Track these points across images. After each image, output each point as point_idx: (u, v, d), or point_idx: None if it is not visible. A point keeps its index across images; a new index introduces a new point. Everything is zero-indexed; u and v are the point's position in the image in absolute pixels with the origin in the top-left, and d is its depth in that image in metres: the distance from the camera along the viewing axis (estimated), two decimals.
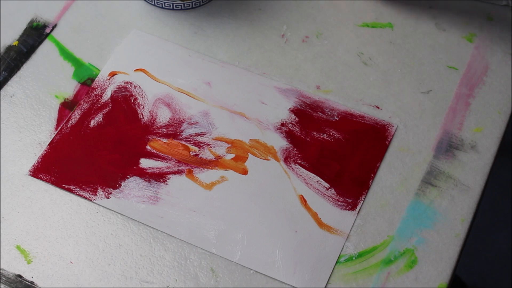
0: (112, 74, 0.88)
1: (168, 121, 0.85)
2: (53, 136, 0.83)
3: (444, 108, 0.87)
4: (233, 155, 0.83)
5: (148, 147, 0.83)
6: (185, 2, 0.92)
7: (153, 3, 0.93)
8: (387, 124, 0.85)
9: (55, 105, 0.86)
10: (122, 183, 0.80)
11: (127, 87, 0.87)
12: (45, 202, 0.79)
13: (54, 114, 0.85)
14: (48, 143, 0.83)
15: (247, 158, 0.82)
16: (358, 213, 0.80)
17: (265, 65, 0.89)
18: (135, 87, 0.87)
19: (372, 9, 0.94)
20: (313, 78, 0.89)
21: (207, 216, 0.79)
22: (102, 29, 0.91)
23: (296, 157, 0.83)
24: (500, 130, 0.86)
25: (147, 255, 0.76)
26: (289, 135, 0.84)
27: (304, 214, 0.79)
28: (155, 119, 0.85)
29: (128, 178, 0.81)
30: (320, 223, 0.79)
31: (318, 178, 0.81)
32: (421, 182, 0.82)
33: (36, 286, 0.75)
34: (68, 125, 0.84)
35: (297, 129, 0.85)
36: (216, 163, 0.82)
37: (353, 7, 0.94)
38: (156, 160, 0.82)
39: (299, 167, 0.82)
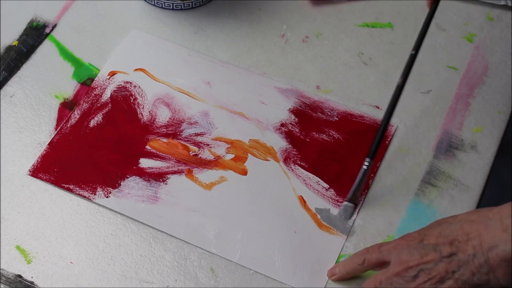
0: (112, 74, 0.88)
1: (167, 121, 0.85)
2: (53, 136, 0.83)
3: (444, 108, 0.87)
4: (232, 155, 0.83)
5: (147, 147, 0.83)
6: (185, 2, 0.92)
7: (153, 3, 0.93)
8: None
9: (55, 105, 0.86)
10: (121, 183, 0.80)
11: (126, 87, 0.87)
12: (45, 202, 0.79)
13: (54, 114, 0.85)
14: (48, 143, 0.83)
15: (246, 158, 0.82)
16: (358, 213, 0.80)
17: (265, 65, 0.89)
18: (134, 86, 0.87)
19: (372, 9, 0.94)
20: (313, 78, 0.89)
21: (207, 216, 0.79)
22: (102, 29, 0.91)
23: (295, 158, 0.83)
24: (500, 130, 0.86)
25: (147, 255, 0.76)
26: (289, 135, 0.84)
27: (304, 214, 0.79)
28: (155, 119, 0.85)
29: (127, 177, 0.81)
30: (320, 224, 0.79)
31: (318, 178, 0.81)
32: (421, 182, 0.82)
33: (36, 286, 0.75)
34: (68, 125, 0.84)
35: (297, 130, 0.85)
36: (215, 163, 0.82)
37: (353, 7, 0.94)
38: (155, 160, 0.82)
39: (299, 167, 0.82)
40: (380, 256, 0.70)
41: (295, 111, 0.86)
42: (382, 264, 0.71)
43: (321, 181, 0.81)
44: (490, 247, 0.64)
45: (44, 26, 0.91)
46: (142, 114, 0.85)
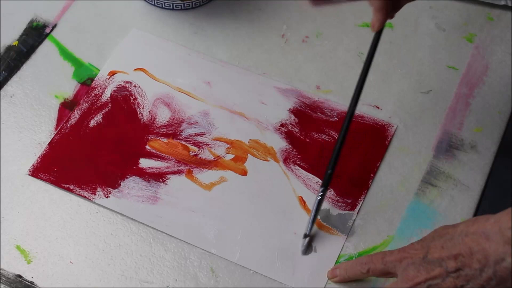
0: (112, 74, 0.88)
1: (167, 121, 0.85)
2: (53, 136, 0.83)
3: (444, 108, 0.87)
4: (232, 156, 0.82)
5: (147, 147, 0.83)
6: (185, 2, 0.92)
7: (153, 3, 0.93)
8: (386, 124, 0.85)
9: (55, 105, 0.86)
10: (121, 183, 0.80)
11: (126, 87, 0.87)
12: (45, 202, 0.79)
13: (54, 114, 0.85)
14: (47, 143, 0.83)
15: (246, 158, 0.82)
16: (357, 213, 0.80)
17: (265, 65, 0.89)
18: (134, 86, 0.87)
19: None
20: (313, 78, 0.89)
21: (207, 216, 0.79)
22: (102, 29, 0.91)
23: (295, 158, 0.83)
24: (500, 130, 0.86)
25: (147, 255, 0.76)
26: (289, 135, 0.84)
27: (304, 215, 0.79)
28: (155, 118, 0.85)
29: (127, 177, 0.81)
30: (320, 224, 0.79)
31: (318, 179, 0.81)
32: (421, 182, 0.82)
33: (36, 286, 0.75)
34: (68, 125, 0.84)
35: (297, 130, 0.85)
36: (215, 163, 0.82)
37: (353, 7, 0.94)
38: (155, 160, 0.82)
39: (299, 168, 0.82)
40: (384, 268, 0.71)
41: (295, 111, 0.86)
42: (386, 274, 0.71)
43: (321, 181, 0.81)
44: (496, 260, 0.64)
45: (44, 26, 0.91)
46: (142, 114, 0.85)
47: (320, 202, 0.76)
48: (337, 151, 0.76)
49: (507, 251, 0.63)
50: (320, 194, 0.76)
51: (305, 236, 0.77)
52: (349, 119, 0.76)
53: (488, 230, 0.65)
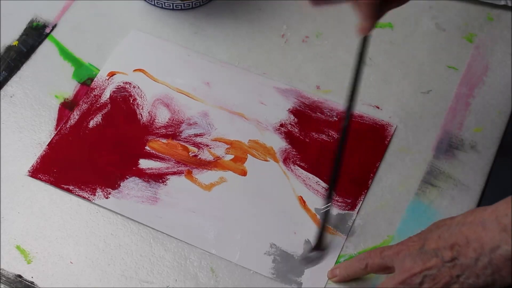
0: (111, 74, 0.88)
1: (167, 122, 0.85)
2: (53, 136, 0.83)
3: (444, 108, 0.87)
4: (232, 156, 0.83)
5: (147, 147, 0.83)
6: (185, 2, 0.92)
7: (153, 3, 0.93)
8: (386, 124, 0.85)
9: (55, 105, 0.86)
10: (121, 184, 0.80)
11: (126, 88, 0.87)
12: (45, 202, 0.79)
13: (54, 114, 0.85)
14: (47, 144, 0.83)
15: (246, 159, 0.82)
16: (357, 213, 0.80)
17: (265, 65, 0.89)
18: (134, 87, 0.87)
19: None
20: (313, 78, 0.89)
21: (206, 216, 0.79)
22: (102, 29, 0.91)
23: (295, 158, 0.83)
24: (500, 130, 0.85)
25: (147, 255, 0.77)
26: (288, 136, 0.84)
27: (303, 215, 0.79)
28: (154, 119, 0.85)
29: (127, 178, 0.81)
30: (320, 224, 0.79)
31: (317, 179, 0.81)
32: (421, 182, 0.82)
33: (36, 286, 0.75)
34: (67, 126, 0.84)
35: (296, 130, 0.85)
36: (215, 164, 0.82)
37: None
38: (155, 160, 0.82)
39: (298, 168, 0.82)
40: (382, 262, 0.70)
41: (294, 111, 0.86)
42: (384, 269, 0.71)
43: (321, 181, 0.81)
44: (492, 248, 0.64)
45: (44, 26, 0.91)
46: (141, 114, 0.85)
47: (327, 214, 0.77)
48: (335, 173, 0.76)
49: (503, 239, 0.63)
50: (326, 206, 0.76)
51: (315, 248, 0.77)
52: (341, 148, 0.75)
53: (485, 219, 0.64)
